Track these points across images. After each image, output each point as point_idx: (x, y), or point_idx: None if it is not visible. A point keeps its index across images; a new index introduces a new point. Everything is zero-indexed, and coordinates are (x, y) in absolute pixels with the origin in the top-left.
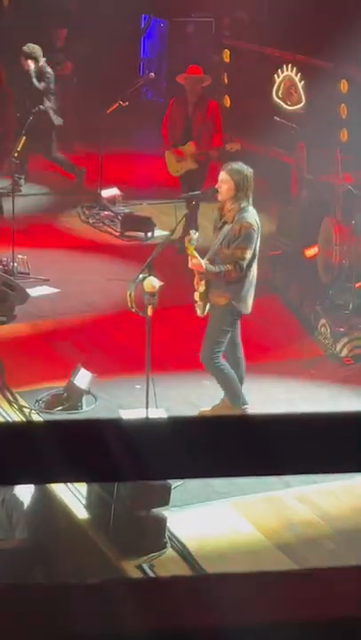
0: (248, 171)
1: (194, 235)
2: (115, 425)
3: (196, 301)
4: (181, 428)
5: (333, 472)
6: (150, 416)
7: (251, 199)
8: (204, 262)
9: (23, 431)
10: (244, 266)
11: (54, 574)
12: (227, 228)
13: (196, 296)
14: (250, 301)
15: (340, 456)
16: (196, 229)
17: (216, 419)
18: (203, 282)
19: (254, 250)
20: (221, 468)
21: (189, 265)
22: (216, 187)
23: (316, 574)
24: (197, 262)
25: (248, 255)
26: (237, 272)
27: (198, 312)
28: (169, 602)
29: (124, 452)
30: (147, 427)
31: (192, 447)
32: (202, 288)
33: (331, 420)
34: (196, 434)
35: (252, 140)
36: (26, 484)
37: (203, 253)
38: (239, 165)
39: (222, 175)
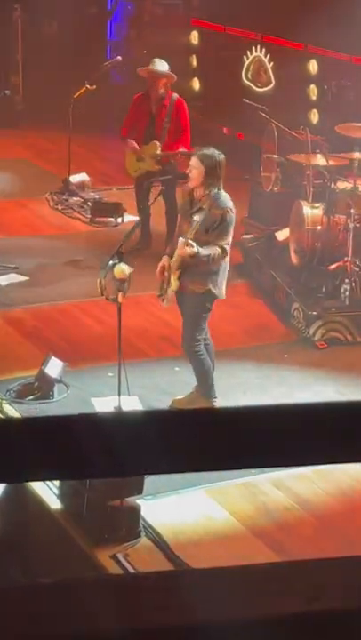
0: (220, 156)
1: (197, 218)
2: (86, 420)
3: (160, 294)
4: (156, 422)
5: (307, 464)
6: (123, 404)
7: (221, 184)
8: (196, 247)
9: None
10: (228, 250)
11: (27, 565)
12: (202, 214)
13: (175, 285)
14: (225, 287)
15: (314, 448)
16: (173, 214)
17: (190, 412)
18: (178, 270)
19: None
20: (196, 461)
21: (181, 252)
22: (187, 172)
23: (297, 566)
24: (192, 248)
25: (230, 239)
26: (223, 257)
27: (164, 302)
28: (144, 600)
29: (96, 448)
30: (120, 421)
31: (166, 441)
32: (175, 284)
33: (305, 411)
34: (171, 428)
35: (222, 122)
36: None
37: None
38: (210, 150)
39: (193, 160)
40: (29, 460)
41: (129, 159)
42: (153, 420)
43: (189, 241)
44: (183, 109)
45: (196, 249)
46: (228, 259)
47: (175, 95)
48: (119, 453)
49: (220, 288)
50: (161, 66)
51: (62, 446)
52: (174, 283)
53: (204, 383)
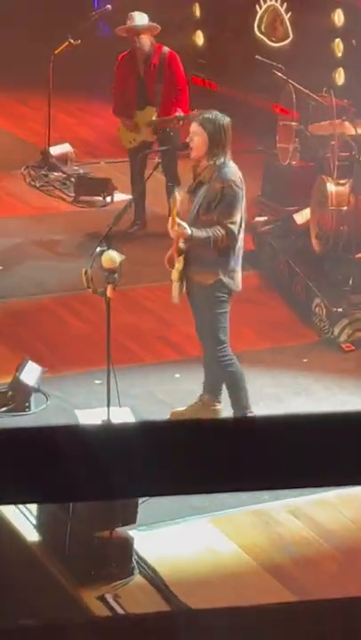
0: (224, 120)
1: (178, 195)
2: (71, 433)
3: (172, 281)
4: (150, 435)
5: (332, 485)
6: (113, 417)
7: (229, 154)
8: (190, 228)
9: None
10: (236, 231)
11: (1, 607)
12: (204, 189)
13: (175, 275)
14: (240, 276)
15: (340, 466)
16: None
17: (194, 423)
18: (181, 257)
19: (241, 212)
20: (199, 483)
21: (171, 233)
22: (187, 140)
23: (320, 607)
24: (182, 229)
25: (237, 218)
26: (229, 238)
27: (174, 295)
28: None
29: (82, 465)
30: (110, 434)
31: (165, 458)
32: (180, 265)
33: (329, 422)
34: (170, 442)
35: (230, 83)
36: None
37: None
38: (213, 114)
39: (194, 126)
40: (2, 479)
41: (123, 129)
42: (147, 434)
43: (178, 221)
44: (177, 64)
45: (187, 230)
46: (241, 242)
47: (165, 49)
48: (107, 472)
49: (234, 278)
50: (140, 19)
51: (41, 463)
52: (174, 273)
53: (239, 396)
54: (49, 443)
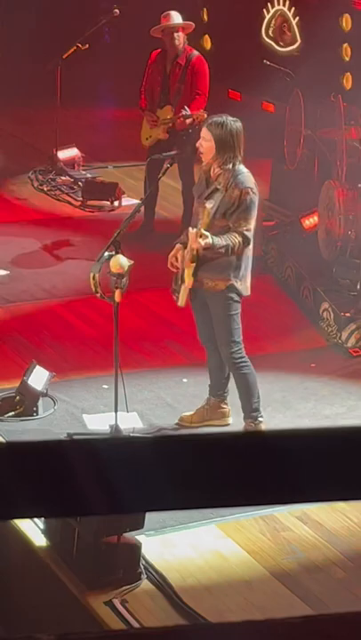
0: (234, 124)
1: (209, 205)
2: (81, 446)
3: (175, 289)
4: (161, 447)
5: (344, 499)
6: (120, 422)
7: (240, 158)
8: (211, 237)
9: None
10: (252, 237)
11: (9, 613)
12: (219, 195)
13: (187, 277)
14: (249, 281)
15: (351, 479)
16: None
17: (204, 437)
18: (193, 263)
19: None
20: (209, 496)
21: (194, 244)
22: (198, 145)
23: (334, 620)
24: (207, 240)
25: (252, 225)
26: (245, 246)
27: (178, 301)
28: None
29: (93, 479)
30: (117, 447)
31: (177, 472)
32: (190, 269)
33: (341, 434)
34: (182, 455)
35: (238, 88)
36: None
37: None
38: (222, 118)
39: (203, 131)
40: (9, 494)
41: (143, 126)
42: (157, 446)
43: (202, 231)
44: (202, 69)
45: (210, 240)
46: (251, 247)
47: (194, 52)
48: (117, 485)
49: (245, 282)
50: (177, 17)
51: (49, 477)
52: (188, 279)
53: (250, 400)
54: (57, 456)
